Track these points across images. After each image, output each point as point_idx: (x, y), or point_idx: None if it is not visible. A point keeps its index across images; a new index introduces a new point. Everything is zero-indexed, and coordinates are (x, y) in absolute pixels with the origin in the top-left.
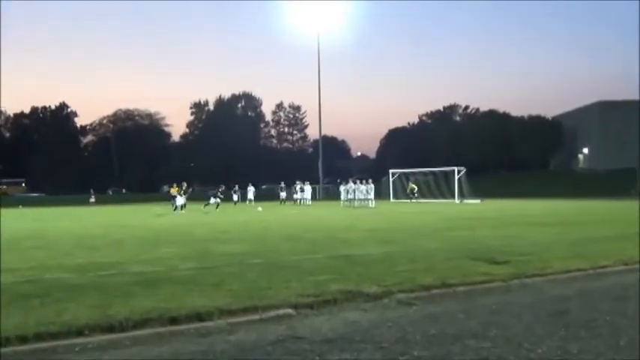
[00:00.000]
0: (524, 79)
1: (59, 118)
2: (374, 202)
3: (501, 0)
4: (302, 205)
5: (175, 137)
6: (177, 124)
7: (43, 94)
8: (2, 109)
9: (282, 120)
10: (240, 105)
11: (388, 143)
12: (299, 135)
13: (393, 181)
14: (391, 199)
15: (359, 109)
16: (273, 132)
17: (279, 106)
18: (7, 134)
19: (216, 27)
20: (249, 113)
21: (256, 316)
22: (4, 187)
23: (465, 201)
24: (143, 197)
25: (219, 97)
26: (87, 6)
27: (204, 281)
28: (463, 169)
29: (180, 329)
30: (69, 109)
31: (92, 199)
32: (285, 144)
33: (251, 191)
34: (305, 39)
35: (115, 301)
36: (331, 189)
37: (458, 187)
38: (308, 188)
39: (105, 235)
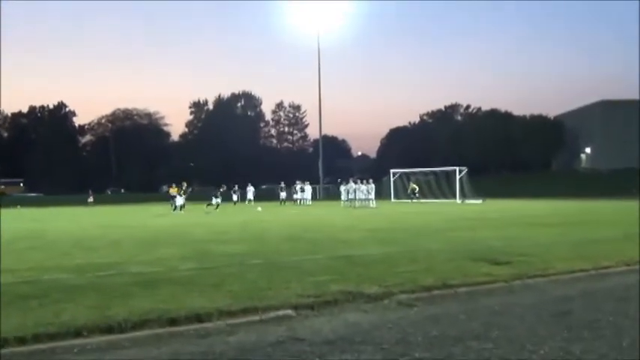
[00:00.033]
0: (525, 79)
1: (57, 117)
2: (375, 202)
3: (502, 0)
4: (302, 206)
5: (174, 137)
6: (177, 123)
7: (41, 94)
8: (0, 108)
9: (282, 119)
10: (239, 104)
11: (389, 143)
12: (299, 134)
13: (394, 181)
14: (392, 199)
15: (359, 108)
16: (273, 131)
17: (279, 105)
18: (5, 134)
19: (215, 26)
20: (249, 113)
21: (256, 317)
22: (2, 187)
23: (467, 201)
24: (142, 197)
25: (219, 96)
26: (86, 5)
27: (204, 282)
28: (465, 169)
29: (180, 330)
30: (67, 109)
31: (90, 200)
32: (285, 144)
33: (250, 191)
34: (305, 38)
35: (113, 301)
36: (331, 189)
37: (459, 187)
38: (308, 188)
39: (103, 236)
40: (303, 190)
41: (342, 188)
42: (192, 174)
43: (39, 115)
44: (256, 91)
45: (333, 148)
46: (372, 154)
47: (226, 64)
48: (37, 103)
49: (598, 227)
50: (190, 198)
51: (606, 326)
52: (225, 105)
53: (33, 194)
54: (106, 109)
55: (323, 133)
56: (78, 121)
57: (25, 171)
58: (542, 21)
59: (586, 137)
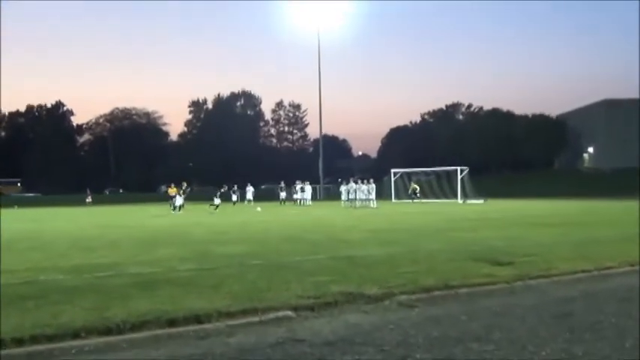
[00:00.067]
0: (527, 78)
1: (55, 116)
2: (375, 202)
3: None
4: (302, 206)
5: (173, 136)
6: (176, 123)
7: (39, 93)
8: None
9: (282, 119)
10: (239, 103)
11: (390, 142)
12: (299, 134)
13: (395, 181)
14: (393, 200)
15: (360, 107)
16: (272, 131)
17: (279, 104)
18: (2, 133)
19: (214, 25)
20: (249, 112)
21: (256, 318)
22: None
23: (468, 201)
24: (140, 197)
25: (218, 95)
26: (85, 5)
27: (203, 283)
28: (466, 169)
29: (179, 332)
30: (65, 108)
31: (88, 200)
32: (285, 143)
33: (250, 191)
34: (305, 37)
35: (112, 303)
36: (332, 189)
37: (461, 187)
38: (308, 188)
39: (102, 236)
40: (303, 190)
41: (343, 188)
42: (191, 174)
43: (36, 114)
44: (256, 90)
45: (334, 147)
46: (373, 154)
47: (226, 63)
48: (34, 102)
49: (601, 227)
50: (190, 198)
51: (608, 327)
52: (224, 104)
53: (31, 194)
54: (105, 109)
55: (323, 132)
56: (76, 120)
57: (23, 171)
58: (545, 20)
59: (589, 136)
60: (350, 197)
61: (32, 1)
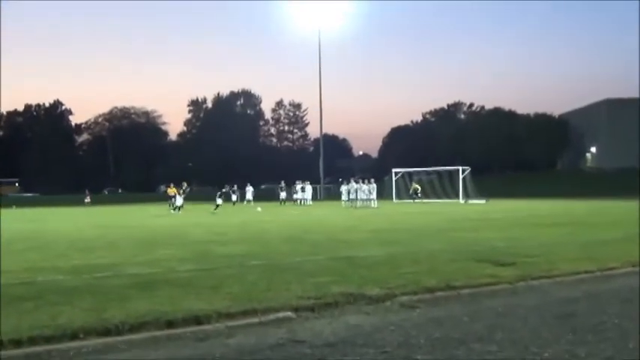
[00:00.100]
0: (529, 77)
1: (53, 116)
2: (376, 202)
3: None
4: (302, 206)
5: (172, 136)
6: (175, 122)
7: (37, 92)
8: None
9: (282, 118)
10: (239, 103)
11: (391, 142)
12: (299, 133)
13: (396, 181)
14: (394, 200)
15: (361, 107)
16: (272, 130)
17: (279, 103)
18: (0, 133)
19: (214, 24)
20: (249, 111)
21: (256, 320)
22: None
23: (470, 201)
24: (139, 197)
25: (218, 94)
26: (84, 4)
27: (203, 283)
28: (468, 169)
29: (178, 333)
30: (63, 107)
31: (87, 200)
32: (286, 143)
33: (249, 191)
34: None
35: (110, 303)
36: (332, 189)
37: (462, 186)
38: (309, 188)
39: (100, 237)
40: (303, 190)
41: (343, 188)
42: (191, 174)
43: (35, 113)
44: (256, 90)
45: (334, 147)
46: (374, 154)
47: (226, 62)
48: (32, 102)
49: (603, 228)
50: (189, 198)
51: (611, 328)
52: (224, 103)
53: (29, 194)
54: (103, 108)
55: (324, 132)
56: (74, 119)
57: (21, 171)
58: (547, 19)
59: (591, 136)
60: (351, 197)
61: (32, 0)
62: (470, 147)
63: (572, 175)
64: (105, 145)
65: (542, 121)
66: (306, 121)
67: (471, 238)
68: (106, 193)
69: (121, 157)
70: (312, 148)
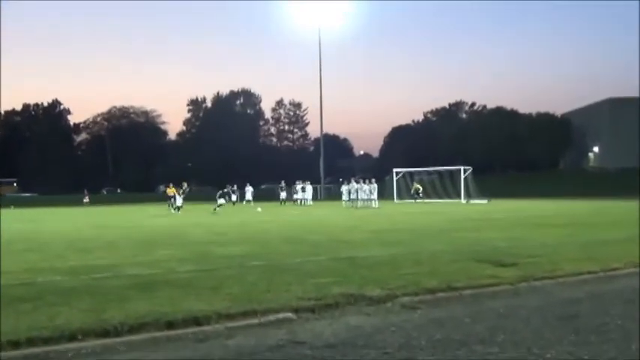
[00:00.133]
0: (531, 76)
1: (52, 115)
2: (377, 202)
3: None
4: (303, 206)
5: (172, 135)
6: (174, 121)
7: (36, 91)
8: None
9: (282, 117)
10: (238, 102)
11: (392, 141)
12: (300, 133)
13: (397, 181)
14: (395, 200)
15: (361, 106)
16: (272, 130)
17: (279, 103)
18: None
19: (214, 23)
20: (248, 111)
21: (255, 321)
22: None
23: (472, 201)
24: (139, 197)
25: (218, 94)
26: (84, 3)
27: (202, 284)
28: (469, 169)
29: (177, 334)
30: (62, 107)
31: (86, 200)
32: (286, 142)
33: (249, 191)
34: (305, 36)
35: (109, 304)
36: (333, 189)
37: (464, 186)
38: (309, 188)
39: (99, 237)
40: (303, 190)
41: (344, 188)
42: (190, 173)
43: (33, 113)
44: (256, 89)
45: (335, 146)
46: (375, 153)
47: (225, 62)
48: (30, 101)
49: (606, 228)
50: (188, 198)
51: (614, 329)
52: (223, 103)
53: (27, 194)
54: (102, 107)
55: (324, 131)
56: (73, 119)
57: (19, 170)
58: (549, 18)
59: (594, 135)
60: (351, 197)
61: (32, 0)
62: (471, 146)
63: (575, 174)
64: (104, 145)
65: (544, 120)
66: (307, 121)
67: (472, 238)
68: (105, 193)
69: (119, 157)
70: (312, 148)
